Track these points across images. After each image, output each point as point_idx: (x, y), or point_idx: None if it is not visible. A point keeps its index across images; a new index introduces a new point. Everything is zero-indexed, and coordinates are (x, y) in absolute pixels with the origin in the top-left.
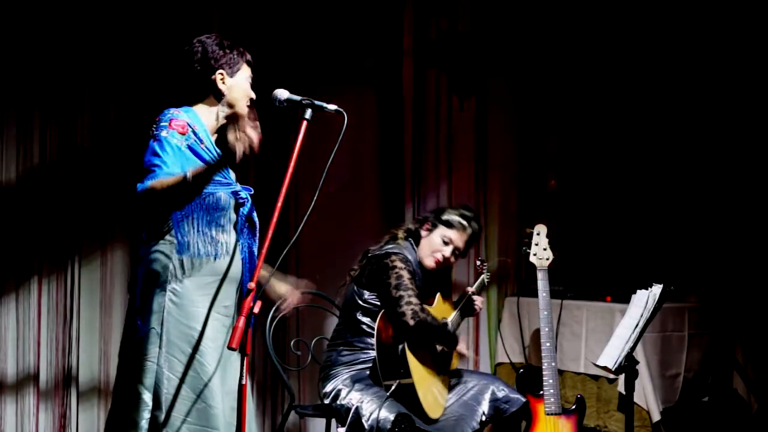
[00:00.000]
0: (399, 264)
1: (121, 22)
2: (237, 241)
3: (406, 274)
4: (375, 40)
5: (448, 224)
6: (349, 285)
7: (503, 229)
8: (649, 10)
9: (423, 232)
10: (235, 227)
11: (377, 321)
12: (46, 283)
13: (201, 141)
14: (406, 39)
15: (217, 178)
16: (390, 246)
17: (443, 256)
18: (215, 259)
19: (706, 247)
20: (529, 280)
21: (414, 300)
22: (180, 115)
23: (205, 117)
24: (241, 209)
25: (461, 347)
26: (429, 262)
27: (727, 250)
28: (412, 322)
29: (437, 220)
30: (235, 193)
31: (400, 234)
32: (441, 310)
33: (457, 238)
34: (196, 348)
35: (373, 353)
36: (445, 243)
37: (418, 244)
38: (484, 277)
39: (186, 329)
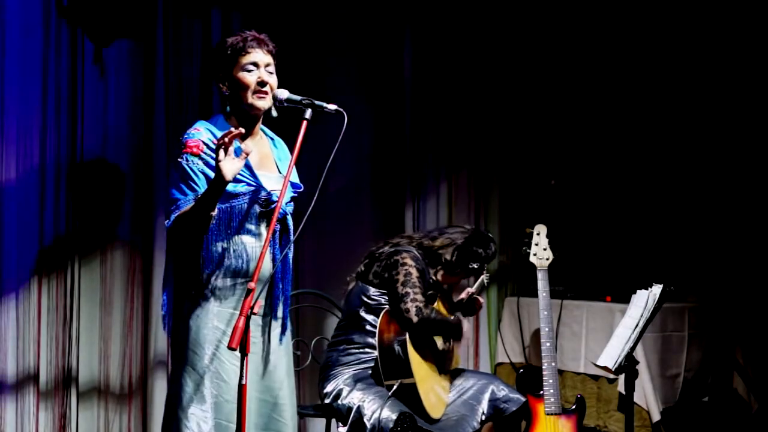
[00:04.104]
0: (409, 261)
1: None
2: (266, 241)
3: (414, 272)
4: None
5: (473, 274)
6: (353, 284)
7: (503, 229)
8: (649, 9)
9: (444, 276)
10: (267, 228)
11: (379, 320)
12: (46, 283)
13: None
14: None
15: (239, 189)
16: (401, 245)
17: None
18: (238, 262)
19: (705, 247)
20: (529, 280)
21: (419, 297)
22: (194, 134)
23: (233, 125)
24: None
25: (465, 330)
26: (459, 294)
27: (727, 251)
28: (415, 319)
29: (465, 269)
30: (256, 196)
31: (414, 245)
32: (441, 309)
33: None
34: (219, 347)
35: (374, 353)
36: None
37: (432, 261)
38: (483, 278)
39: (210, 328)
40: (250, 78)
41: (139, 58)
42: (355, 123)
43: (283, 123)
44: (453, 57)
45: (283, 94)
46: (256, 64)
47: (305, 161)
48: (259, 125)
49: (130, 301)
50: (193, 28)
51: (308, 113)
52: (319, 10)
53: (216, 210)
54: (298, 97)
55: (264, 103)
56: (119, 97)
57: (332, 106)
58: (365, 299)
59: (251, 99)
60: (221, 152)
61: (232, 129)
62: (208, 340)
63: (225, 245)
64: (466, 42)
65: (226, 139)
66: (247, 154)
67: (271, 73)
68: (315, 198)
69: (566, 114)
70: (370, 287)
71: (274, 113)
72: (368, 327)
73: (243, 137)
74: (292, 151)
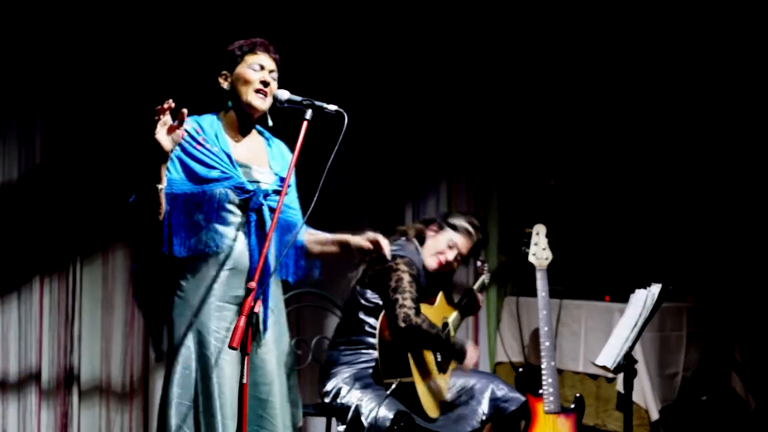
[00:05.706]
0: (402, 267)
1: (123, 27)
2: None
3: (406, 277)
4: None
5: (455, 228)
6: (352, 286)
7: (502, 229)
8: (649, 10)
9: (429, 233)
10: (243, 218)
11: (380, 319)
12: (48, 283)
13: (198, 143)
14: None
15: (212, 175)
16: (395, 248)
17: (446, 259)
18: (215, 252)
19: (704, 246)
20: (528, 279)
21: (408, 303)
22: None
23: (226, 121)
24: (251, 202)
25: (468, 361)
26: (431, 263)
27: (726, 250)
28: (402, 325)
29: (444, 222)
30: (237, 187)
31: (411, 232)
32: (442, 309)
33: (462, 243)
34: (200, 340)
35: (374, 353)
36: (450, 247)
37: (422, 244)
38: (484, 277)
39: (192, 321)
40: (255, 75)
41: (140, 56)
42: (356, 123)
43: (283, 123)
44: (453, 56)
45: (284, 94)
46: (262, 66)
47: (306, 161)
48: (254, 125)
49: (132, 301)
50: (193, 29)
51: (309, 114)
52: (321, 17)
53: (164, 184)
54: (299, 98)
55: (262, 103)
56: (120, 97)
57: (332, 107)
58: (363, 302)
59: (250, 97)
60: (158, 125)
61: (168, 101)
62: (189, 336)
63: (197, 230)
64: (465, 41)
65: (162, 115)
66: (181, 123)
67: (273, 78)
68: (315, 198)
69: (565, 114)
70: (367, 290)
71: (270, 123)
72: (367, 328)
73: (242, 135)
74: (292, 151)
